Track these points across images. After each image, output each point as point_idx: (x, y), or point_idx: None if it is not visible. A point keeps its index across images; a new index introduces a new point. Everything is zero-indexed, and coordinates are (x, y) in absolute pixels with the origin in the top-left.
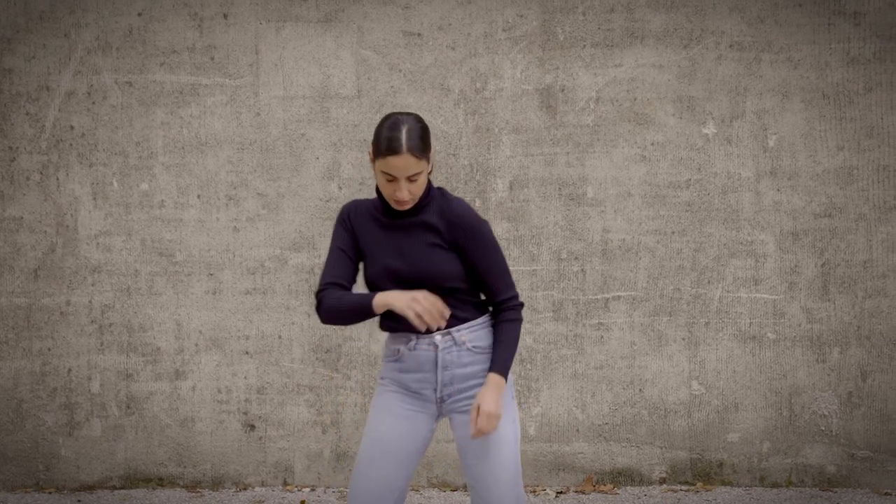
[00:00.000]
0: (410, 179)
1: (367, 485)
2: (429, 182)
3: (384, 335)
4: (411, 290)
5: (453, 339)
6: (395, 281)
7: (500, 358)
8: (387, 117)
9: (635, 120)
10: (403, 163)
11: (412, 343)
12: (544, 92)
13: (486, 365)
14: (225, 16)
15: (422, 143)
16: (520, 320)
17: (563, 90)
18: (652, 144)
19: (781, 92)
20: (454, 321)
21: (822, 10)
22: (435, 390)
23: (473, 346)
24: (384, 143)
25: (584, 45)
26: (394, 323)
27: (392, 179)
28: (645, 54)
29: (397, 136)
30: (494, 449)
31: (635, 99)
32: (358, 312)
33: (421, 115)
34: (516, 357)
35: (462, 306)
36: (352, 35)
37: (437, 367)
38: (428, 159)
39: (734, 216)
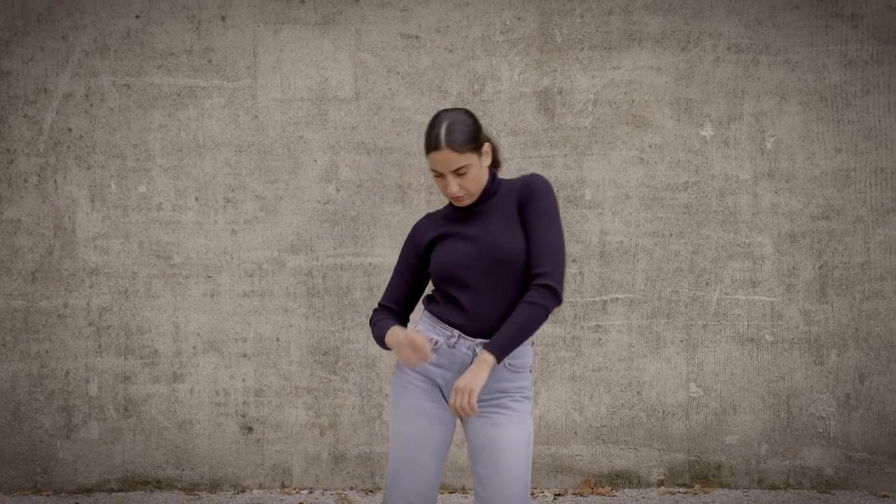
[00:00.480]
0: (458, 174)
1: (412, 486)
2: (493, 174)
3: None
4: (480, 273)
5: None
6: (458, 266)
7: (500, 337)
8: (434, 115)
9: (633, 122)
10: (444, 157)
11: (453, 340)
12: (542, 94)
13: (516, 384)
14: (223, 18)
15: (463, 137)
16: (541, 307)
17: (560, 92)
18: (650, 147)
19: (779, 94)
20: (500, 326)
21: (819, 12)
22: None
23: (510, 365)
24: (426, 140)
25: (582, 48)
26: (441, 309)
27: (439, 175)
28: (643, 57)
29: (436, 132)
30: (506, 459)
31: (633, 101)
32: (382, 341)
33: (419, 117)
34: None
35: (515, 302)
36: (349, 37)
37: None
38: (475, 152)
39: (732, 218)
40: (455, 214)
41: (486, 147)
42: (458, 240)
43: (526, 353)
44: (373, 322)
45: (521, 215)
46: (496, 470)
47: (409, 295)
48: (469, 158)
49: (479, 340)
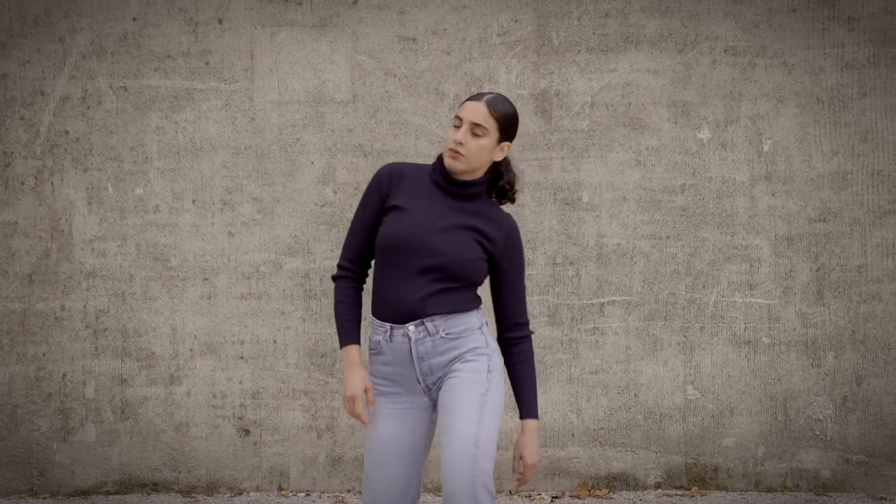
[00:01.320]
0: (474, 133)
1: (379, 488)
2: (481, 181)
3: None
4: (423, 254)
5: (426, 329)
6: (409, 247)
7: (531, 401)
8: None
9: (630, 125)
10: (476, 108)
11: (387, 334)
12: (539, 97)
13: (463, 348)
14: (220, 21)
15: (504, 111)
16: (533, 355)
17: (557, 95)
18: (647, 149)
19: (776, 97)
20: (431, 307)
21: (816, 15)
22: (418, 381)
23: (447, 334)
24: (473, 94)
25: (579, 50)
26: (375, 303)
27: (458, 125)
28: (640, 59)
29: (487, 92)
30: (454, 422)
31: (630, 104)
32: (337, 327)
33: (416, 119)
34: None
35: (451, 301)
36: (347, 40)
37: (414, 359)
38: (500, 131)
39: (729, 221)
40: (431, 186)
41: (505, 145)
42: (423, 222)
43: (462, 321)
44: (336, 293)
45: (495, 258)
46: (446, 433)
47: (367, 248)
48: (491, 128)
49: (409, 325)
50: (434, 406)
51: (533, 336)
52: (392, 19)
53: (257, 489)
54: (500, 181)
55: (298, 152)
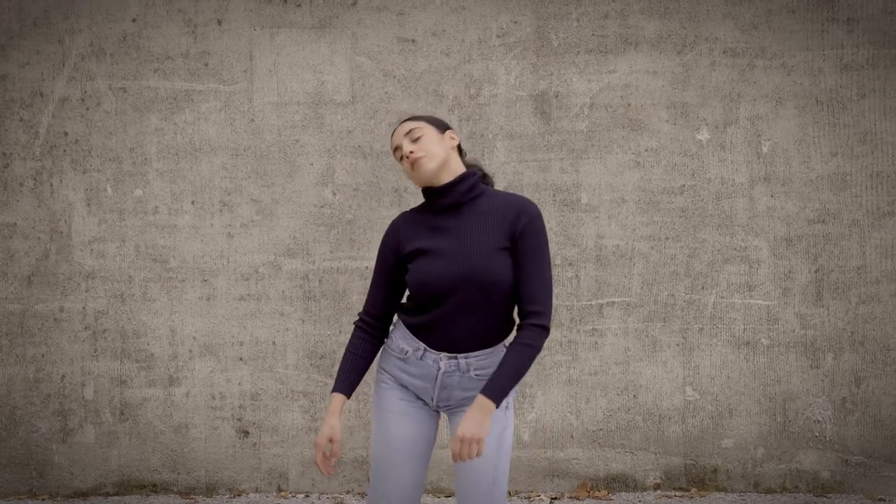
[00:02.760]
0: (412, 138)
1: (388, 487)
2: (473, 173)
3: None
4: (457, 290)
5: (458, 364)
6: (439, 288)
7: (498, 383)
8: None
9: (629, 126)
10: (400, 129)
11: (419, 352)
12: (538, 98)
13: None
14: (219, 22)
15: (424, 115)
16: (535, 348)
17: (557, 96)
18: (646, 150)
19: (775, 98)
20: (469, 345)
21: (815, 16)
22: (431, 399)
23: (477, 374)
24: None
25: (578, 52)
26: (412, 321)
27: (399, 151)
28: (639, 60)
29: (401, 119)
30: (473, 460)
31: (629, 105)
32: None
33: None
34: None
35: (484, 327)
36: (346, 41)
37: (437, 384)
38: (434, 126)
39: (728, 222)
40: (433, 219)
41: (451, 133)
42: (439, 258)
43: (494, 361)
44: (349, 343)
45: (513, 243)
46: (464, 467)
47: (387, 302)
48: (424, 127)
49: (442, 354)
50: (439, 413)
51: (544, 334)
52: (391, 20)
53: (256, 490)
54: (481, 173)
55: (297, 153)
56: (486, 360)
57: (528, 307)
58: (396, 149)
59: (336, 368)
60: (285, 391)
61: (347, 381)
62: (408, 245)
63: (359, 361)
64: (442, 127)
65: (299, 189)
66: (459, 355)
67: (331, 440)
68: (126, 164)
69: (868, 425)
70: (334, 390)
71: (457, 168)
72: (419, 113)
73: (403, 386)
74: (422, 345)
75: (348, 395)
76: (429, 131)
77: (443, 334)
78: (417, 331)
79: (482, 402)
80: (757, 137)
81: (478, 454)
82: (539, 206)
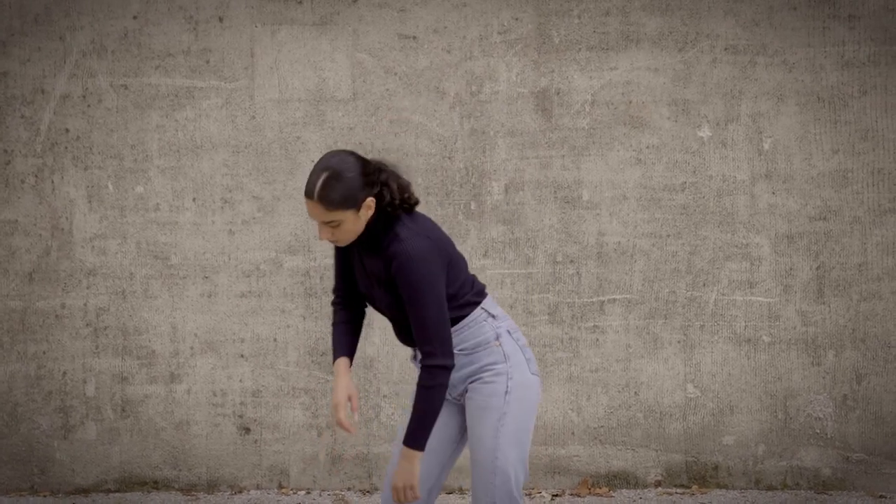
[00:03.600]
0: (330, 225)
1: None
2: (395, 221)
3: (376, 337)
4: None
5: (415, 353)
6: (364, 295)
7: (410, 428)
8: (323, 156)
9: (630, 123)
10: (313, 209)
11: (413, 357)
12: (540, 95)
13: (479, 363)
14: (220, 19)
15: (337, 196)
16: (433, 387)
17: (558, 93)
18: (647, 147)
19: (776, 95)
20: (410, 341)
21: (816, 13)
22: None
23: (461, 350)
24: (307, 180)
25: (580, 49)
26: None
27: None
28: (640, 57)
29: (313, 179)
30: (473, 446)
31: (630, 102)
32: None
33: (416, 118)
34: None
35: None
36: (347, 38)
37: None
38: (352, 208)
39: (729, 219)
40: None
41: (369, 202)
42: (363, 274)
43: (475, 333)
44: (333, 317)
45: (394, 287)
46: (471, 459)
47: (347, 289)
48: (341, 215)
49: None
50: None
51: (438, 371)
52: (392, 17)
53: (258, 487)
54: (385, 203)
55: (299, 150)
56: (464, 334)
57: (419, 347)
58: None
59: None
60: (286, 388)
61: (340, 344)
62: (352, 248)
63: (344, 328)
64: (354, 202)
65: (300, 186)
66: (414, 348)
67: (349, 397)
68: (127, 161)
69: (869, 422)
70: (336, 357)
71: (361, 228)
72: (334, 186)
73: None
74: (410, 349)
75: (351, 357)
76: (346, 217)
77: (394, 332)
78: (406, 339)
79: (403, 450)
80: (758, 134)
81: (413, 498)
82: (540, 203)
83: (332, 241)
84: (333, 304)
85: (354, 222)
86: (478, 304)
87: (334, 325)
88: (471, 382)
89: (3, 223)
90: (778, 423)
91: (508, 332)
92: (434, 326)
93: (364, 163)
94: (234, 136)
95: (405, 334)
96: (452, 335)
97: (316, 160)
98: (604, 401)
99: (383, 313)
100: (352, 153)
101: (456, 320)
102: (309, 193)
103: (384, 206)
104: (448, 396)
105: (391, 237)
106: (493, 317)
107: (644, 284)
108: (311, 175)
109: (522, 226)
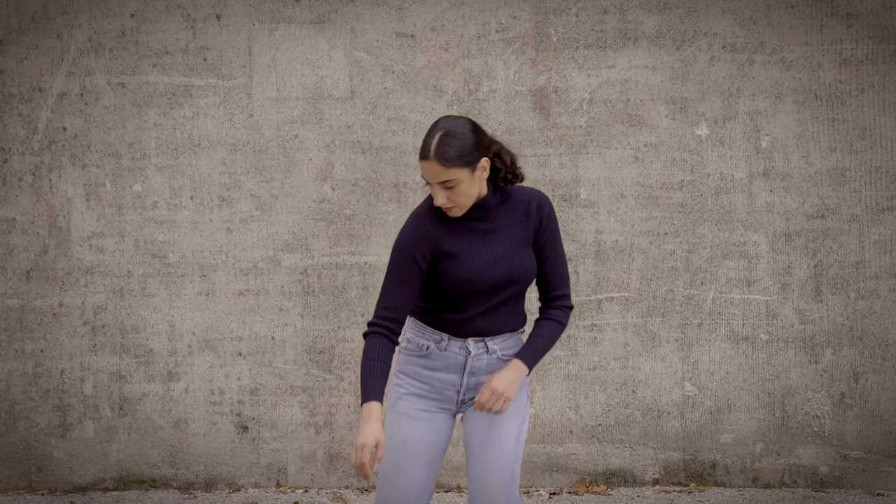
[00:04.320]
0: (446, 186)
1: (397, 493)
2: (493, 186)
3: None
4: (490, 289)
5: (486, 347)
6: (477, 285)
7: (532, 349)
8: (436, 120)
9: (628, 121)
10: (431, 168)
11: (444, 343)
12: (537, 93)
13: None
14: (218, 17)
15: (454, 152)
16: (564, 325)
17: (556, 91)
18: (645, 146)
19: (774, 93)
20: (497, 331)
21: (814, 11)
22: (458, 392)
23: (503, 355)
24: (421, 145)
25: (577, 47)
26: (427, 314)
27: (428, 183)
28: (638, 56)
29: (429, 140)
30: (493, 446)
31: (628, 100)
32: (361, 385)
33: (414, 116)
34: None
35: (513, 314)
36: (345, 36)
37: (465, 371)
38: (467, 167)
39: (727, 217)
40: (460, 225)
41: (483, 162)
42: (475, 259)
43: (516, 344)
44: (365, 351)
45: (536, 235)
46: (481, 461)
47: (409, 302)
48: (458, 174)
49: (469, 339)
50: (457, 412)
51: (570, 313)
52: (390, 16)
53: (255, 485)
54: (499, 175)
55: (297, 149)
56: (509, 342)
57: (556, 292)
58: (426, 181)
59: (335, 364)
60: (284, 386)
61: (379, 389)
62: (441, 246)
63: (384, 368)
64: (471, 161)
65: (298, 184)
66: (486, 338)
67: (377, 445)
68: (125, 160)
69: (867, 420)
70: (369, 399)
71: (477, 193)
72: (449, 143)
73: (422, 389)
74: (444, 335)
75: (382, 402)
76: (463, 177)
77: (473, 325)
78: (434, 319)
79: (517, 364)
80: (756, 133)
81: (500, 411)
82: None
83: (448, 208)
84: (373, 331)
85: (470, 184)
86: (525, 323)
87: (371, 359)
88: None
89: (0, 221)
90: (776, 421)
91: None
92: (567, 267)
93: (477, 126)
94: (232, 134)
95: (507, 316)
96: (506, 339)
97: (313, 158)
98: (601, 399)
99: (492, 297)
100: (465, 117)
101: (520, 323)
102: (425, 153)
103: (497, 178)
104: (454, 397)
105: (514, 194)
106: (522, 331)
107: (642, 282)
108: (425, 138)
109: None
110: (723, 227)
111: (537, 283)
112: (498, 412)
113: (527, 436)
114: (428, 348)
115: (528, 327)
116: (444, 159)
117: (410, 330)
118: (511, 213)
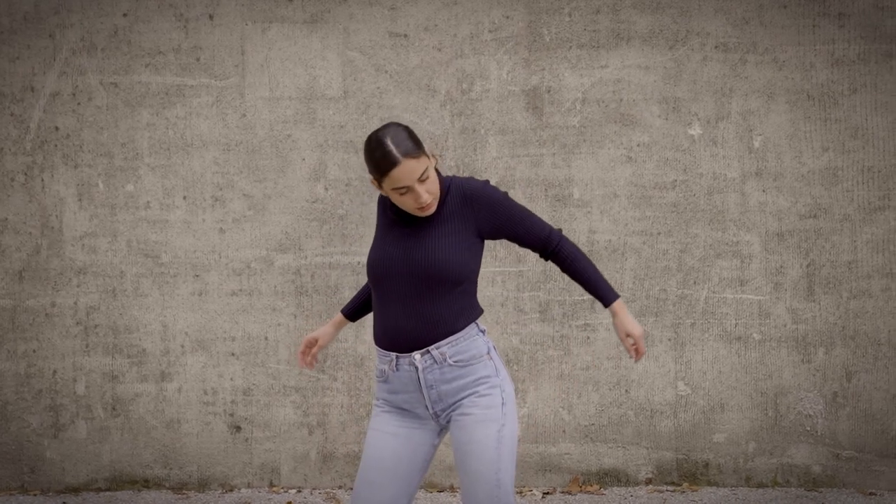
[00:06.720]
0: (421, 180)
1: None
2: (438, 173)
3: (368, 336)
4: (409, 285)
5: (432, 357)
6: (386, 273)
7: (602, 288)
8: (369, 140)
9: (621, 121)
10: (407, 168)
11: (394, 363)
12: (530, 93)
13: (473, 376)
14: (210, 17)
15: (412, 143)
16: (576, 247)
17: (549, 91)
18: (638, 145)
19: (766, 93)
20: (434, 335)
21: (806, 11)
22: (427, 408)
23: (456, 361)
24: (381, 163)
25: (570, 47)
26: (377, 331)
27: (406, 191)
28: (631, 55)
29: (386, 150)
30: (470, 462)
31: (621, 100)
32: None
33: (407, 116)
34: (503, 357)
35: (448, 315)
36: (338, 36)
37: (422, 386)
38: (426, 154)
39: (720, 217)
40: (394, 217)
41: (432, 152)
42: (384, 246)
43: (469, 346)
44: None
45: (482, 224)
46: (465, 473)
47: None
48: (426, 161)
49: (415, 354)
50: (440, 431)
51: (565, 238)
52: (383, 15)
53: (248, 486)
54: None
55: (289, 149)
56: (458, 347)
57: (547, 244)
58: (403, 190)
59: (328, 364)
60: (277, 386)
61: (352, 304)
62: (381, 218)
63: (364, 289)
64: (422, 148)
65: (291, 184)
66: (430, 347)
67: (316, 339)
68: (117, 160)
69: (859, 419)
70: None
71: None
72: (402, 140)
73: (399, 408)
74: (392, 354)
75: (348, 317)
76: (430, 165)
77: (407, 328)
78: (383, 337)
79: (615, 306)
80: (748, 132)
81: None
82: (531, 201)
83: (428, 206)
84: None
85: (434, 175)
86: (474, 319)
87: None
88: (465, 397)
89: None
90: (768, 420)
91: (493, 347)
92: (535, 216)
93: (403, 124)
94: (225, 134)
95: (440, 317)
96: (455, 343)
97: (306, 158)
98: (595, 399)
99: (413, 293)
100: (390, 123)
101: (457, 328)
102: (393, 159)
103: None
104: (427, 413)
105: (450, 186)
106: (482, 332)
107: (635, 282)
108: (379, 152)
109: None
110: (715, 226)
111: (527, 248)
112: (644, 352)
113: (517, 439)
114: (384, 372)
115: (488, 323)
116: (411, 152)
117: (376, 357)
118: (451, 207)
